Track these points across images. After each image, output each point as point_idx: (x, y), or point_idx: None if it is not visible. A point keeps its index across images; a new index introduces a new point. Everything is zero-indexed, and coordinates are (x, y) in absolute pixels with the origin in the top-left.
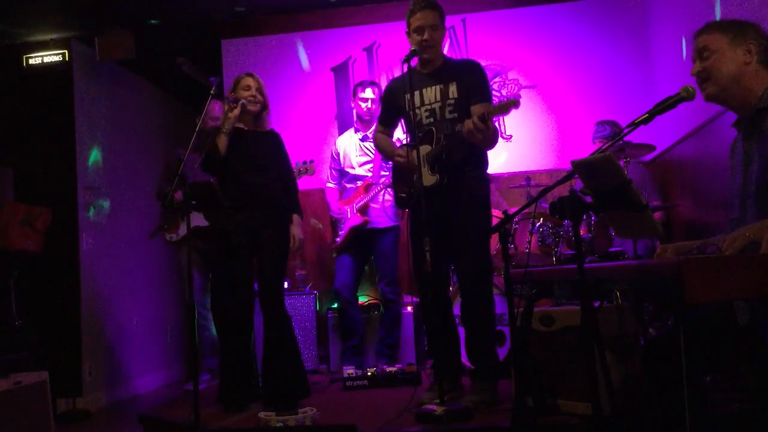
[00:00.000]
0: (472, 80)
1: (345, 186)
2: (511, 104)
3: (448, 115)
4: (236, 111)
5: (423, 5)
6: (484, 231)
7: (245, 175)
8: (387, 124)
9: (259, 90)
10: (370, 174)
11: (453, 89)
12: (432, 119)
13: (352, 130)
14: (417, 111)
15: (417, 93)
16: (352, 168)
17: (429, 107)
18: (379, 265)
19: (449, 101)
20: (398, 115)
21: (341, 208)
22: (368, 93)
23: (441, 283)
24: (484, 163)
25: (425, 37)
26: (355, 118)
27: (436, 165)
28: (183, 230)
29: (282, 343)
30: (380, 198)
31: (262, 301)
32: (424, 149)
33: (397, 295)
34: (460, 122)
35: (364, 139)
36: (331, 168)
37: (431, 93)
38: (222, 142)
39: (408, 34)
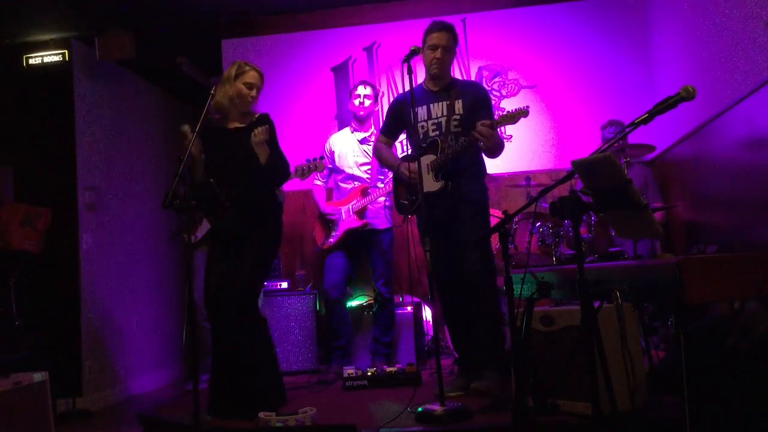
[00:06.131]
0: (477, 100)
1: (338, 184)
2: (520, 114)
3: (453, 129)
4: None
5: (440, 27)
6: (484, 232)
7: (221, 180)
8: (389, 135)
9: (259, 89)
10: (367, 176)
11: (459, 105)
12: (438, 132)
13: (348, 129)
14: (424, 123)
15: (424, 107)
16: (350, 167)
17: (436, 121)
18: (376, 265)
19: (455, 116)
20: (402, 127)
21: (334, 209)
22: (361, 90)
23: (454, 281)
24: (484, 172)
25: (437, 55)
26: (352, 118)
27: (440, 173)
28: (200, 233)
29: (239, 351)
30: (377, 199)
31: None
32: (428, 158)
33: (392, 294)
34: (463, 135)
35: (363, 141)
36: None
37: (438, 108)
38: (198, 169)
39: (422, 49)
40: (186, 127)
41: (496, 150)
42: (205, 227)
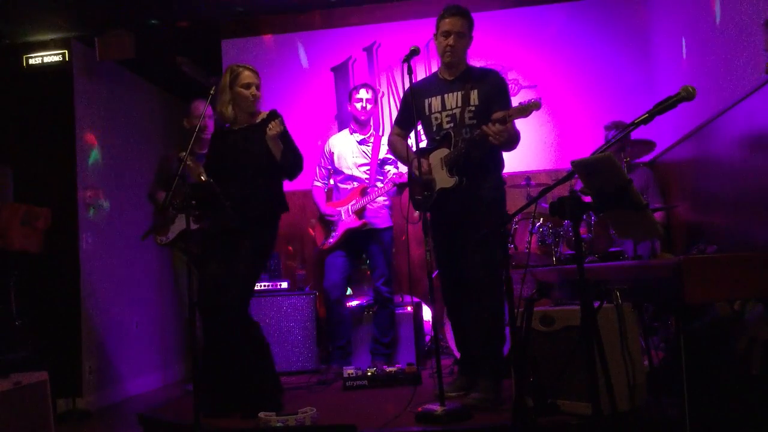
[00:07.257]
0: (493, 89)
1: (338, 185)
2: (532, 107)
3: (467, 121)
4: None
5: (453, 12)
6: (483, 232)
7: (224, 181)
8: (404, 127)
9: (258, 86)
10: (366, 176)
11: (474, 96)
12: (452, 124)
13: (347, 131)
14: (438, 115)
15: (438, 98)
16: (349, 168)
17: (450, 112)
18: (376, 264)
19: (470, 107)
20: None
21: (334, 209)
22: (363, 93)
23: (460, 280)
24: (501, 166)
25: (450, 42)
26: (351, 120)
27: (454, 168)
28: (172, 234)
29: (227, 351)
30: (376, 199)
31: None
32: (442, 152)
33: (392, 294)
34: (478, 128)
35: (362, 142)
36: (320, 167)
37: (453, 98)
38: (201, 173)
39: (435, 36)
40: (183, 155)
41: (510, 144)
42: (177, 228)
